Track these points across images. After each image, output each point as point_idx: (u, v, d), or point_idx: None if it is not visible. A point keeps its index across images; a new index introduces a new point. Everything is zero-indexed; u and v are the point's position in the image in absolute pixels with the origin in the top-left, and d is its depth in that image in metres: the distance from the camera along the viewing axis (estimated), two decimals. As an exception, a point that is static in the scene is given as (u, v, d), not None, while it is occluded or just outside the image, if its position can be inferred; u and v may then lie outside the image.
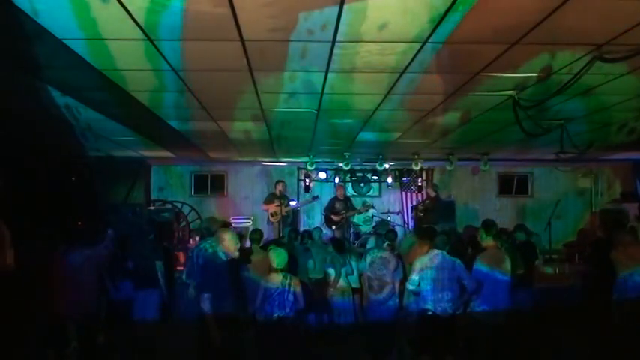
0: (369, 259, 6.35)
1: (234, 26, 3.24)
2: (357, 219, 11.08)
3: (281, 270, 5.41)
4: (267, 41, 3.55)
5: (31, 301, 5.67)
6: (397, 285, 6.26)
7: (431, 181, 11.77)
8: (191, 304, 5.98)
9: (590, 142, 6.94)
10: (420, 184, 11.96)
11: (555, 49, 3.73)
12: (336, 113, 6.14)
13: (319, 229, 8.25)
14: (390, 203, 12.24)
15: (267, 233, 9.32)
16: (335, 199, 10.92)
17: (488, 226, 5.71)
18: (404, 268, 6.38)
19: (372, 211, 10.86)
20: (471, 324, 5.49)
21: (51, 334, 5.65)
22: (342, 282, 6.55)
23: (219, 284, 4.82)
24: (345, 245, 6.86)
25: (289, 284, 5.35)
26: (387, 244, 6.58)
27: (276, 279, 5.37)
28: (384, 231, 8.16)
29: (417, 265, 5.46)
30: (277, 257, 5.45)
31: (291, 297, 5.32)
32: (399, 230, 11.50)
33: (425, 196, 11.48)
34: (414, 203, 11.93)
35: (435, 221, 10.05)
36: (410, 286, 5.53)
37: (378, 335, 6.17)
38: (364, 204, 10.97)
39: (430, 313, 5.32)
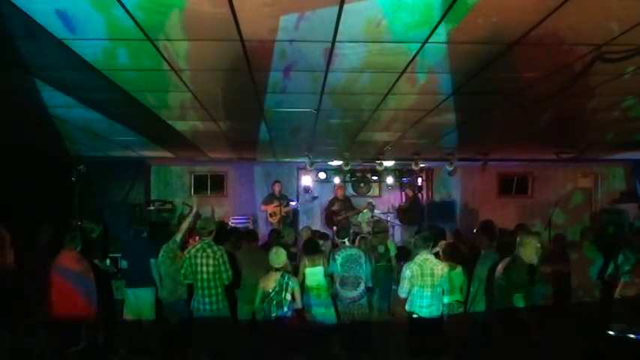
0: (339, 259, 6.18)
1: (234, 26, 3.24)
2: (359, 219, 11.07)
3: (279, 270, 5.41)
4: (267, 41, 3.55)
5: (36, 301, 5.69)
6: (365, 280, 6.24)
7: (430, 180, 11.77)
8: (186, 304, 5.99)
9: (590, 142, 6.94)
10: (419, 184, 11.97)
11: (555, 49, 3.72)
12: (336, 113, 6.14)
13: (308, 227, 8.21)
14: (390, 203, 12.25)
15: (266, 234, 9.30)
16: (335, 199, 10.92)
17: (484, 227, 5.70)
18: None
19: (366, 212, 10.82)
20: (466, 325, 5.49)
21: (61, 333, 5.67)
22: (314, 282, 6.38)
23: None
24: (317, 246, 6.68)
25: (287, 284, 5.35)
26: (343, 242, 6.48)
27: (274, 279, 5.38)
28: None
29: (406, 272, 5.40)
30: (275, 257, 5.45)
31: (288, 297, 5.33)
32: (398, 230, 11.55)
33: (427, 196, 11.51)
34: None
35: (412, 221, 10.07)
36: (401, 294, 5.50)
37: (355, 334, 6.14)
38: (367, 204, 10.96)
39: (415, 316, 5.32)
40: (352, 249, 6.33)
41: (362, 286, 6.16)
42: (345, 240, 6.41)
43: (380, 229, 7.81)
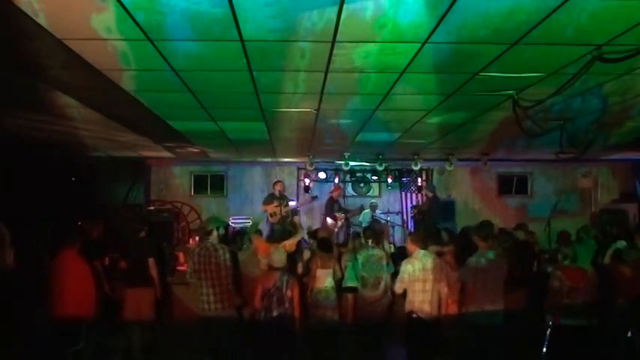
0: (360, 258, 6.27)
1: (234, 26, 3.24)
2: (360, 219, 11.04)
3: (279, 268, 5.43)
4: (267, 41, 3.55)
5: (35, 301, 5.69)
6: (389, 280, 6.26)
7: (431, 181, 11.78)
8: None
9: (590, 142, 6.94)
10: (419, 184, 11.97)
11: (555, 49, 3.72)
12: (336, 113, 6.14)
13: (323, 230, 8.24)
14: (390, 203, 12.25)
15: (267, 233, 9.31)
16: (333, 200, 10.90)
17: (481, 227, 5.69)
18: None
19: (367, 211, 10.81)
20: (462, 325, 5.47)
21: (61, 333, 5.67)
22: (323, 283, 6.39)
23: None
24: (331, 246, 6.73)
25: (287, 281, 5.37)
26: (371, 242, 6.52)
27: (274, 277, 5.40)
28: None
29: (406, 267, 5.40)
30: (275, 256, 5.48)
31: (288, 293, 5.35)
32: (398, 230, 11.55)
33: (424, 197, 11.49)
34: (414, 203, 11.94)
35: (432, 221, 10.06)
36: (397, 290, 5.50)
37: (372, 333, 6.15)
38: (369, 204, 10.95)
39: (415, 315, 5.31)
40: (374, 249, 6.35)
41: (382, 287, 6.17)
42: (370, 240, 6.43)
43: (379, 230, 7.88)
